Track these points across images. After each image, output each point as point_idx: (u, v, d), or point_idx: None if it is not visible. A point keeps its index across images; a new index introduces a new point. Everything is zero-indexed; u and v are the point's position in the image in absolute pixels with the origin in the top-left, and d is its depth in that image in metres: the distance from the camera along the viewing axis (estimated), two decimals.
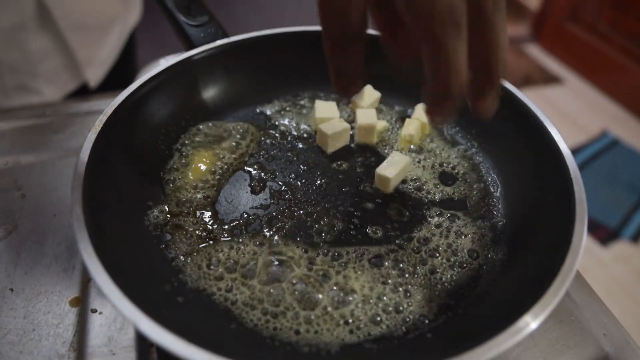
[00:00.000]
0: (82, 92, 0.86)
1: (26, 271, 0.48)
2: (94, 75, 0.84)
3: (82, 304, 0.45)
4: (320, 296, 0.40)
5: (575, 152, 2.26)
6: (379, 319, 0.39)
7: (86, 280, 0.47)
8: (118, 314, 0.45)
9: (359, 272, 0.42)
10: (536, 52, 2.95)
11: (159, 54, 0.81)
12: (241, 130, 0.55)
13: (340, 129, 0.53)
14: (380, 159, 0.53)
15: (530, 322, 0.32)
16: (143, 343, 0.43)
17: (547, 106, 2.53)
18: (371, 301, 0.40)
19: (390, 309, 0.40)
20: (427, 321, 0.39)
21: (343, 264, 0.43)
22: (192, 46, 0.55)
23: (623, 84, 2.55)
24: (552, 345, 0.44)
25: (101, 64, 0.85)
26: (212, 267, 0.42)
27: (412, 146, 0.55)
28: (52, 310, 0.45)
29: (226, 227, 0.45)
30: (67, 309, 0.45)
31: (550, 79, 2.72)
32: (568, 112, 2.52)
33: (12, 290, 0.46)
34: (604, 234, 1.92)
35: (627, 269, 1.81)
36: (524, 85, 2.64)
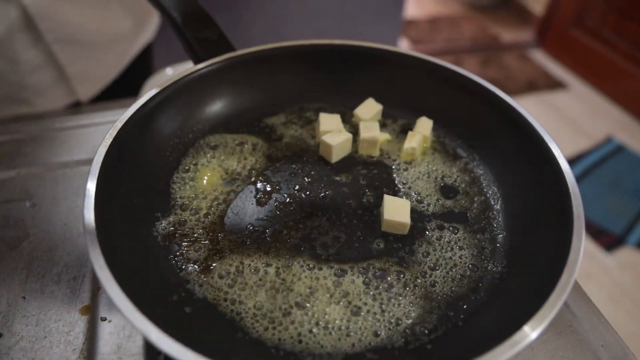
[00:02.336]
0: (92, 100, 0.87)
1: (38, 279, 0.49)
2: (86, 91, 0.83)
3: (91, 312, 0.47)
4: (324, 307, 0.41)
5: (579, 158, 2.27)
6: (380, 330, 0.40)
7: (96, 289, 0.48)
8: (127, 323, 0.46)
9: (362, 284, 0.43)
10: (541, 58, 2.95)
11: (175, 58, 0.82)
12: (247, 142, 0.56)
13: (343, 139, 0.54)
14: (383, 171, 0.54)
15: (529, 333, 0.33)
16: (151, 351, 0.44)
17: (551, 112, 2.53)
18: (373, 312, 0.41)
19: (392, 320, 0.41)
20: (427, 332, 0.40)
21: (347, 276, 0.44)
22: (199, 60, 0.56)
23: (628, 89, 2.55)
24: (551, 356, 0.45)
25: (96, 80, 0.84)
26: (218, 277, 0.43)
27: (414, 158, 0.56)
28: (63, 318, 0.46)
29: (232, 238, 0.47)
30: (78, 317, 0.46)
31: (554, 85, 2.73)
32: (572, 117, 2.52)
33: (24, 298, 0.47)
34: (608, 240, 1.92)
35: (632, 275, 1.81)
36: (529, 90, 2.64)
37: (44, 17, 0.70)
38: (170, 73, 0.81)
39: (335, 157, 0.55)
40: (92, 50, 0.80)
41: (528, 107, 2.34)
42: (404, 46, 2.87)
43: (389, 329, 0.40)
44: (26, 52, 0.72)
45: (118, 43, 0.85)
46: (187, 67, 0.56)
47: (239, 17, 1.58)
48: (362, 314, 0.41)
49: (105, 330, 0.45)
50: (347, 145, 0.56)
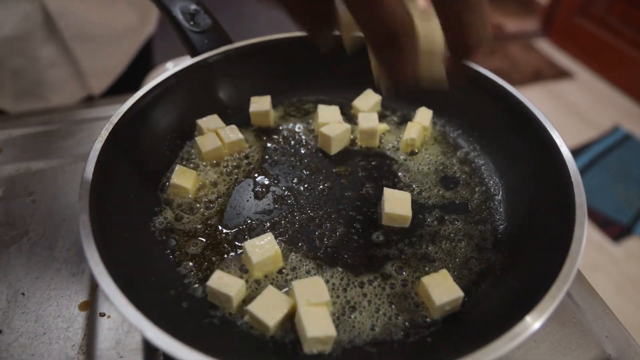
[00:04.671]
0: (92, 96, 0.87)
1: (37, 276, 0.49)
2: (98, 85, 0.86)
3: (90, 308, 0.47)
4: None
5: (586, 147, 2.24)
6: (380, 322, 0.40)
7: (95, 285, 0.48)
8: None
9: (360, 278, 0.43)
10: (546, 47, 2.91)
11: (176, 53, 0.83)
12: (245, 135, 0.56)
13: (342, 130, 0.54)
14: (382, 162, 0.54)
15: (531, 323, 0.33)
16: (150, 346, 0.44)
17: (557, 101, 2.50)
18: (373, 305, 0.41)
19: (392, 313, 0.40)
20: (427, 325, 0.40)
21: (346, 270, 0.43)
22: (196, 53, 0.56)
23: (635, 78, 2.52)
24: (555, 347, 0.44)
25: (107, 74, 0.87)
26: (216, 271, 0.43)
27: (414, 149, 0.55)
28: (62, 314, 0.46)
29: (230, 232, 0.46)
30: (77, 313, 0.46)
31: (560, 74, 2.69)
32: (579, 107, 2.49)
33: (23, 294, 0.47)
34: (616, 230, 1.90)
35: (639, 265, 1.79)
36: (534, 80, 2.61)
37: (63, 15, 0.73)
38: (171, 67, 0.81)
39: (334, 148, 0.54)
40: (104, 44, 0.83)
41: (534, 97, 2.31)
42: None
43: (388, 322, 0.40)
44: (44, 49, 0.75)
45: (126, 36, 0.88)
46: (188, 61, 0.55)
47: (241, 12, 1.58)
48: (361, 307, 0.40)
49: (104, 326, 0.45)
50: (346, 137, 0.55)
